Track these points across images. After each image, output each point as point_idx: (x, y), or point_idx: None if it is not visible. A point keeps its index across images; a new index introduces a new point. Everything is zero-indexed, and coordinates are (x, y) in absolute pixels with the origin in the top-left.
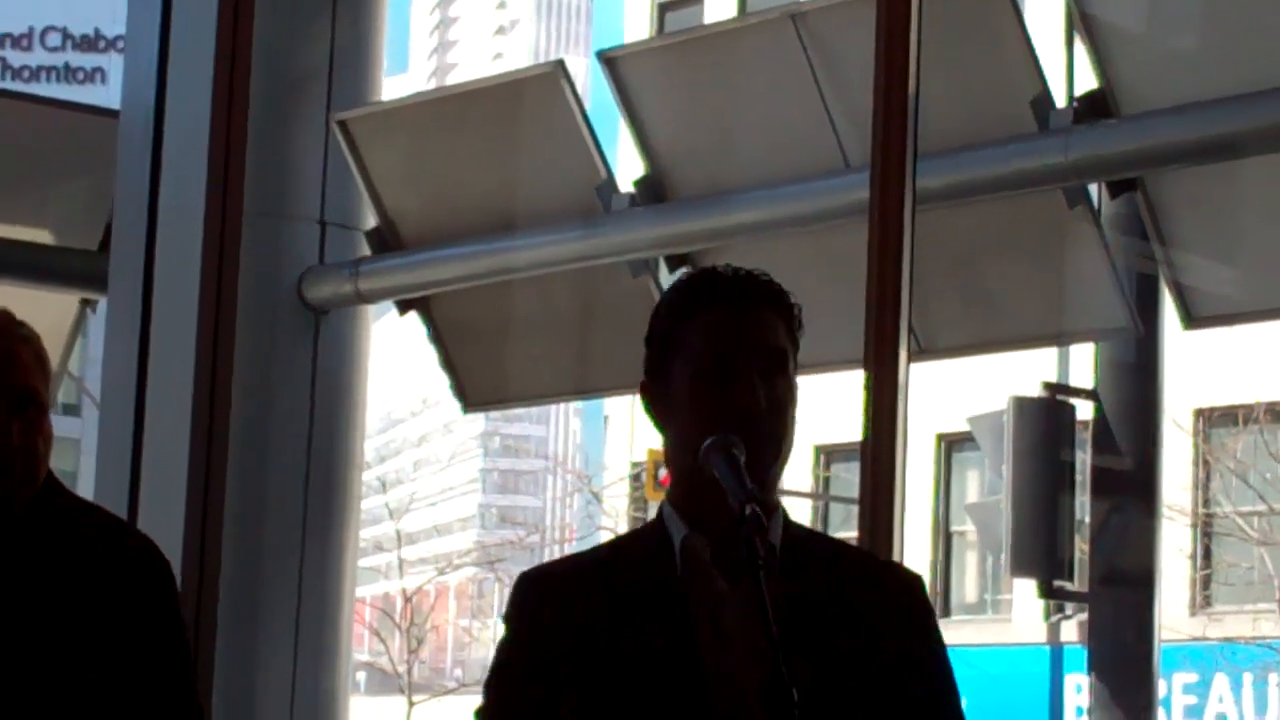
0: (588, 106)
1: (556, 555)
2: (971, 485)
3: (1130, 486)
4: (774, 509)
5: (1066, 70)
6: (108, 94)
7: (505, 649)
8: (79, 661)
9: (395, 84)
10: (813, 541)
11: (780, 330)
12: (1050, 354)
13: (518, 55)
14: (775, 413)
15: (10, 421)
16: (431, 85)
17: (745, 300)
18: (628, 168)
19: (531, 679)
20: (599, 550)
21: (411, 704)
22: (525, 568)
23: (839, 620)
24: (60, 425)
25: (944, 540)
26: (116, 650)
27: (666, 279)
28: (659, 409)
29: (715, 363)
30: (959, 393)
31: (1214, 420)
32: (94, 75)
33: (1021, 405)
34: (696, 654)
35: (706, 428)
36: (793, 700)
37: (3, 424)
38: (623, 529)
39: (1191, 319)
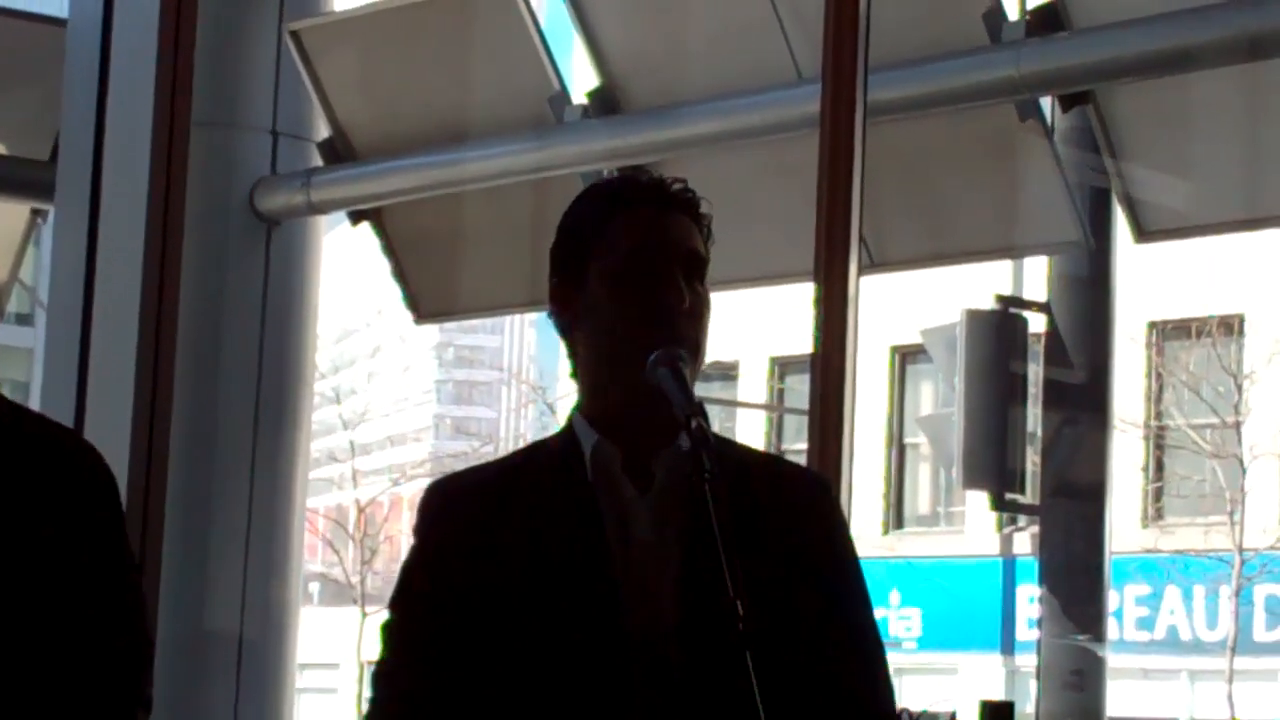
0: (541, 18)
1: None
2: (925, 397)
3: (1082, 399)
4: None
5: None
6: (61, 5)
7: (413, 564)
8: (19, 563)
9: None
10: (724, 450)
11: (699, 237)
12: (1004, 267)
13: None
14: (695, 318)
15: None
16: None
17: (667, 203)
18: (581, 79)
19: (440, 594)
20: (507, 459)
21: (365, 615)
22: None
23: (747, 530)
24: (14, 335)
25: (897, 452)
26: (58, 553)
27: None
28: (570, 314)
29: (640, 262)
30: (913, 304)
31: (1167, 333)
32: None
33: (974, 318)
34: (608, 560)
35: (629, 329)
36: (737, 611)
37: None
38: None
39: (1142, 232)
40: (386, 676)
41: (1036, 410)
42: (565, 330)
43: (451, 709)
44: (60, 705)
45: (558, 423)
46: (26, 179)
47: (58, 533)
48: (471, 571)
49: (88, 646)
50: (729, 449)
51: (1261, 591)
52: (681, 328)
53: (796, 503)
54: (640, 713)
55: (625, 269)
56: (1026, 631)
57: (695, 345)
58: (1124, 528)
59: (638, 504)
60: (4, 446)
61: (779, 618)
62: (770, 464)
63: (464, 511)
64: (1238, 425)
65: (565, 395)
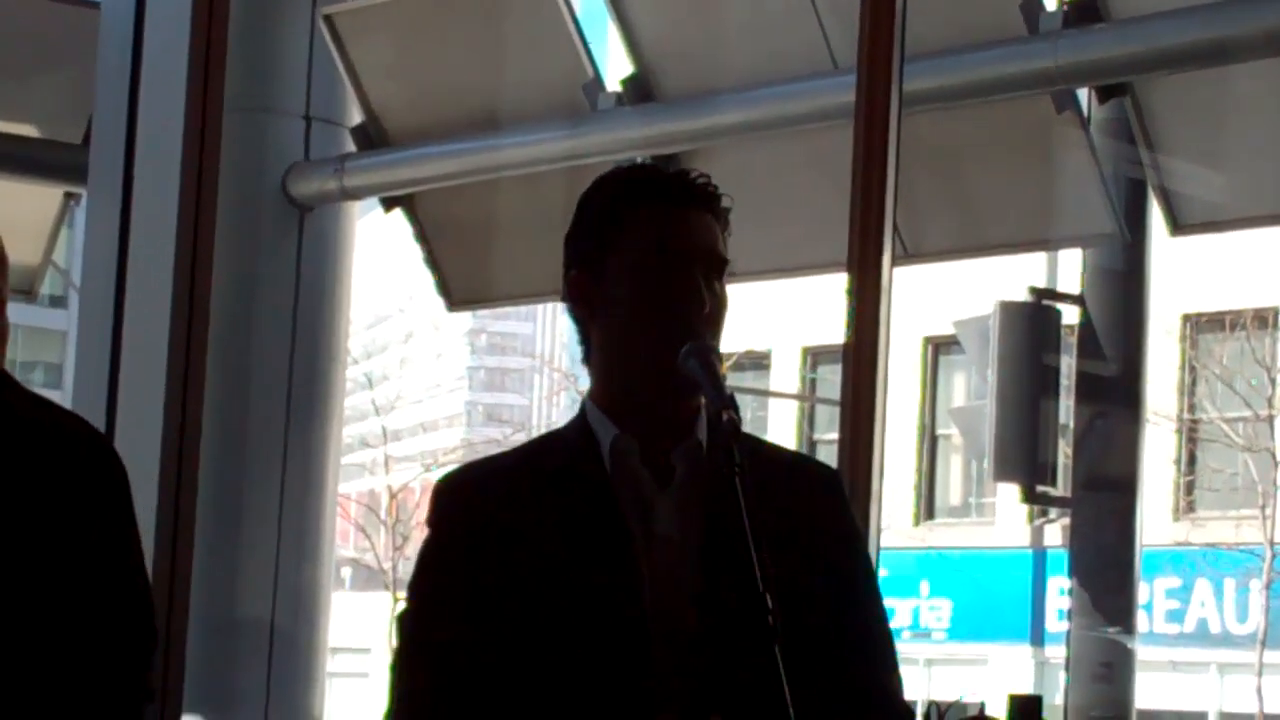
0: (576, 5)
1: None
2: (958, 388)
3: (1115, 391)
4: (698, 411)
5: None
6: None
7: (429, 556)
8: (24, 552)
9: None
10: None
11: (719, 236)
12: (1038, 259)
13: None
14: (715, 319)
15: None
16: None
17: (690, 199)
18: (615, 67)
19: (456, 584)
20: (521, 450)
21: (396, 600)
22: None
23: (763, 524)
24: (47, 318)
25: (929, 443)
26: (63, 543)
27: None
28: (587, 306)
29: (662, 263)
30: (947, 296)
31: (1201, 326)
32: None
33: (1008, 309)
34: (632, 554)
35: (650, 327)
36: (765, 605)
37: None
38: None
39: (1178, 225)
40: (404, 665)
41: (1069, 402)
42: (581, 320)
43: (469, 699)
44: (65, 696)
45: None
46: (59, 162)
47: (62, 522)
48: (488, 562)
49: (93, 637)
50: (746, 443)
51: None
52: (701, 330)
53: (808, 497)
54: (664, 706)
55: (647, 269)
56: (1056, 623)
57: (716, 347)
58: (1155, 520)
59: (659, 498)
60: (8, 433)
61: (793, 612)
62: (783, 458)
63: (479, 502)
64: (1270, 419)
65: None
